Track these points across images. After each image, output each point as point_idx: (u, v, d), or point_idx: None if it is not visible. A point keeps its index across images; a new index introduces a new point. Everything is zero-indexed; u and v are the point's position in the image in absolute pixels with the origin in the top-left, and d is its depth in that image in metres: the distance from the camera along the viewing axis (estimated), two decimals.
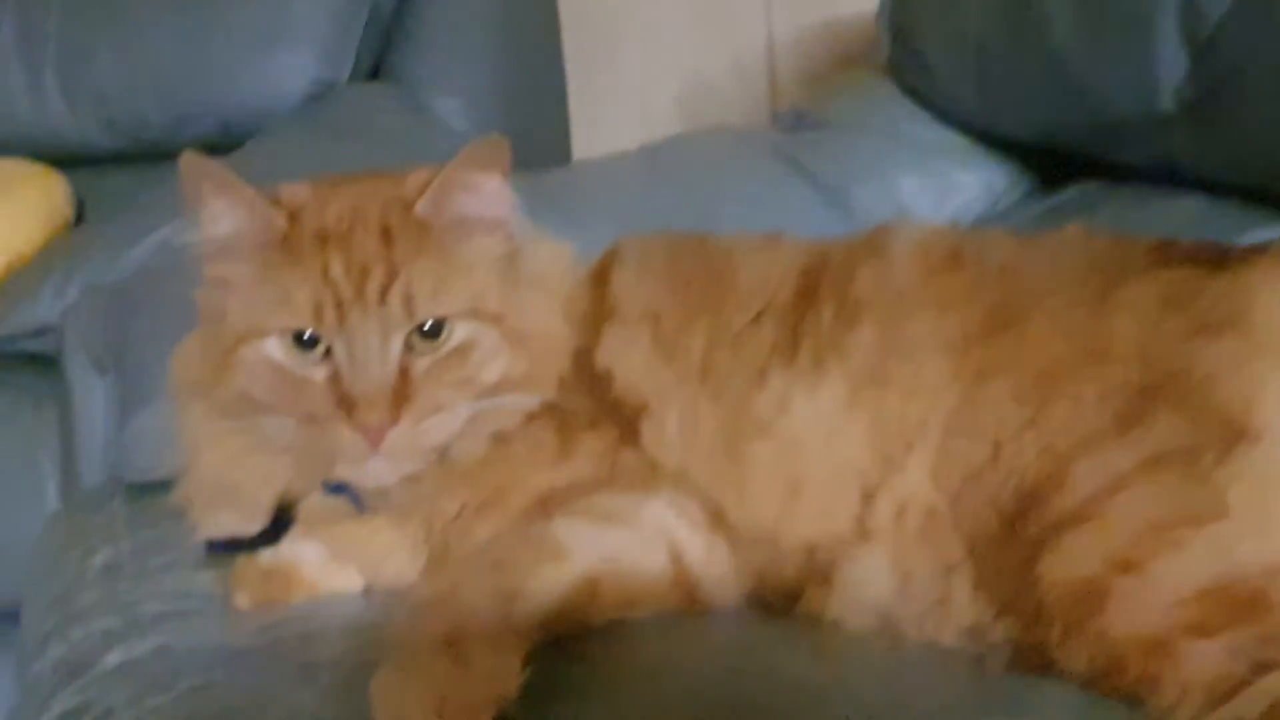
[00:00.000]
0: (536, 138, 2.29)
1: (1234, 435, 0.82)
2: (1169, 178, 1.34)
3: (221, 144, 2.12)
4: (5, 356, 1.93)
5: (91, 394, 1.56)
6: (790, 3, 2.34)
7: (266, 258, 0.97)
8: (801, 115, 1.72)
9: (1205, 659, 0.76)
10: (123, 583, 1.12)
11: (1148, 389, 0.87)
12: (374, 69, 2.44)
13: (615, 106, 2.44)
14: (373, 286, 0.94)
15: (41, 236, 2.21)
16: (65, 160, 2.39)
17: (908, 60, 1.60)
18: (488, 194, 0.98)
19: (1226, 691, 0.75)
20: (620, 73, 2.46)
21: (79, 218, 2.33)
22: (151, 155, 2.35)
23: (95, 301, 1.58)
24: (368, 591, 1.03)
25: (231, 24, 2.34)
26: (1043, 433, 0.88)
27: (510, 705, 0.77)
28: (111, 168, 2.45)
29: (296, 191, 1.01)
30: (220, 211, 0.98)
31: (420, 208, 0.98)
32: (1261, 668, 0.75)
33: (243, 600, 1.02)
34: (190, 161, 0.97)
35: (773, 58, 2.39)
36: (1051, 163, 1.53)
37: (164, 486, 1.25)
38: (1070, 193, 1.47)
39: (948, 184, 1.54)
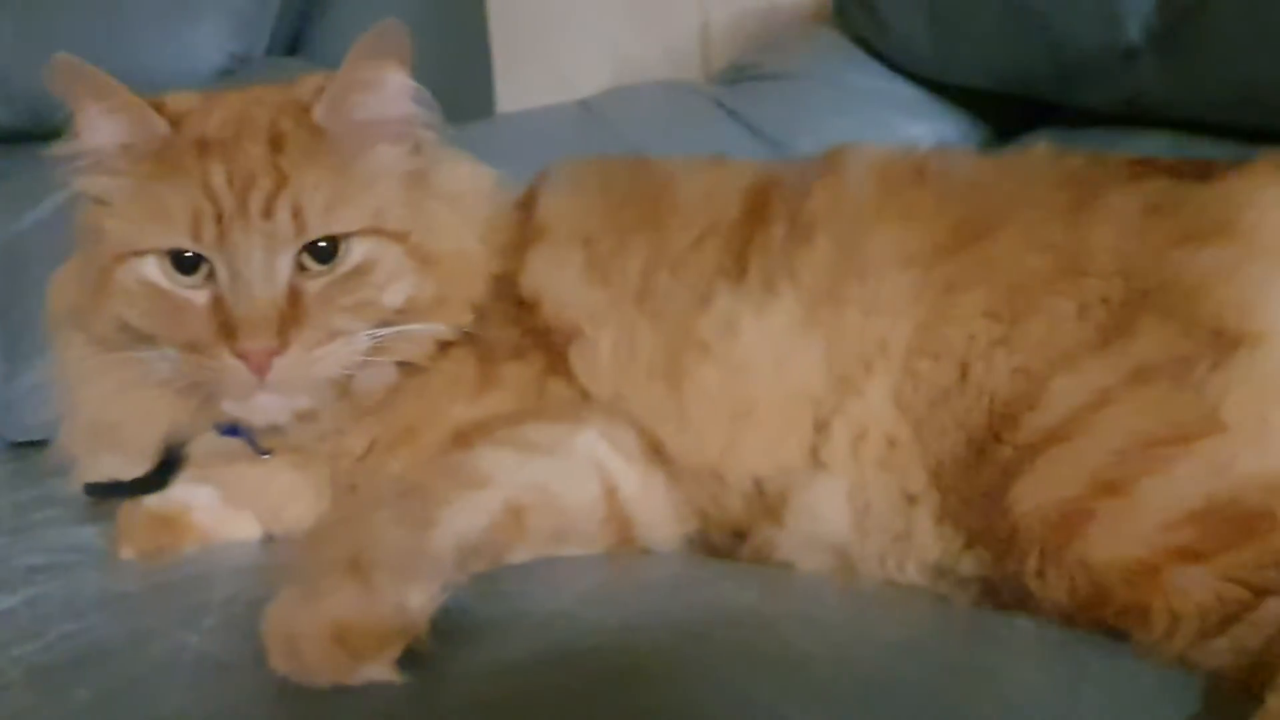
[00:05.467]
0: (463, 123, 2.21)
1: (1229, 343, 0.74)
2: (1134, 119, 1.27)
3: None
4: None
5: None
6: None
7: (145, 169, 0.88)
8: (744, 68, 1.64)
9: (1198, 586, 0.69)
10: (1, 539, 1.00)
11: (1131, 300, 0.79)
12: (291, 45, 2.34)
13: (544, 96, 2.35)
14: (257, 198, 0.85)
15: None
16: None
17: (856, 8, 1.51)
18: (389, 90, 0.89)
19: (1222, 620, 0.68)
20: (549, 61, 2.37)
21: None
22: (54, 134, 2.24)
23: None
24: (267, 540, 0.92)
25: None
26: (1016, 350, 0.80)
27: (420, 641, 0.67)
28: (13, 145, 2.34)
29: (183, 99, 0.92)
30: (96, 118, 0.89)
31: (317, 112, 0.88)
32: (1262, 593, 0.67)
33: (128, 550, 0.92)
34: (63, 63, 0.88)
35: (707, 47, 2.32)
36: (1007, 112, 1.44)
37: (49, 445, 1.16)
38: (1027, 141, 1.39)
39: (896, 135, 1.44)
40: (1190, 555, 0.69)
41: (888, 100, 1.50)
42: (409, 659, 0.66)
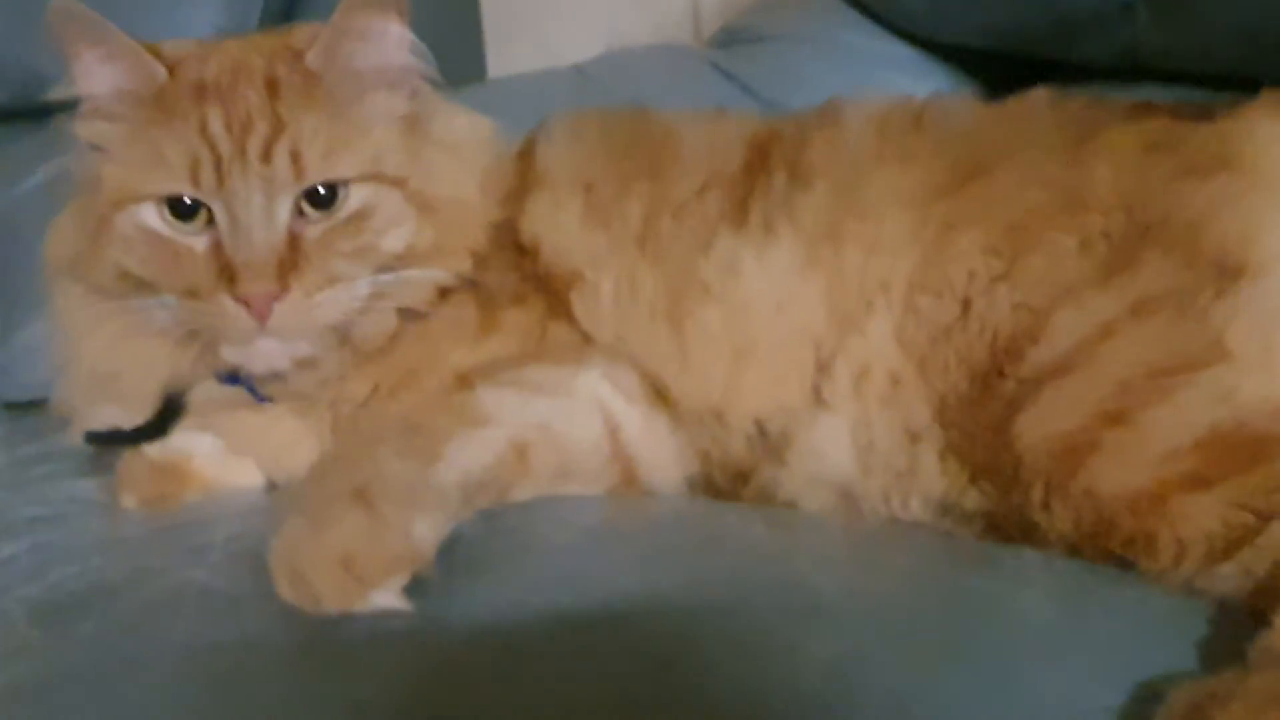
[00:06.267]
0: None
1: (1232, 272, 0.74)
2: (1132, 73, 1.27)
3: None
4: None
5: None
6: None
7: (142, 115, 0.87)
8: (738, 31, 1.63)
9: (1204, 513, 0.69)
10: None
11: (1132, 234, 0.79)
12: (285, 18, 2.33)
13: (534, 67, 2.34)
14: (255, 143, 0.84)
15: None
16: None
17: None
18: (386, 40, 0.88)
19: (1229, 546, 0.68)
20: (540, 33, 2.36)
21: None
22: (43, 112, 2.22)
23: None
24: (269, 486, 0.92)
25: None
26: (1017, 285, 0.80)
27: (427, 570, 0.67)
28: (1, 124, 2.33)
29: (179, 46, 0.92)
30: (93, 64, 0.88)
31: (310, 58, 0.88)
32: (1268, 517, 0.67)
33: (129, 499, 0.91)
34: (60, 8, 0.87)
35: (698, 21, 2.31)
36: (1002, 69, 1.44)
37: (46, 403, 1.15)
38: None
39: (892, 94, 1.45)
40: (1196, 483, 0.69)
41: (882, 59, 1.50)
42: (416, 589, 0.66)
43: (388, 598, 0.65)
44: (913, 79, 1.48)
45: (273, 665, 0.62)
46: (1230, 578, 0.67)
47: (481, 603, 0.66)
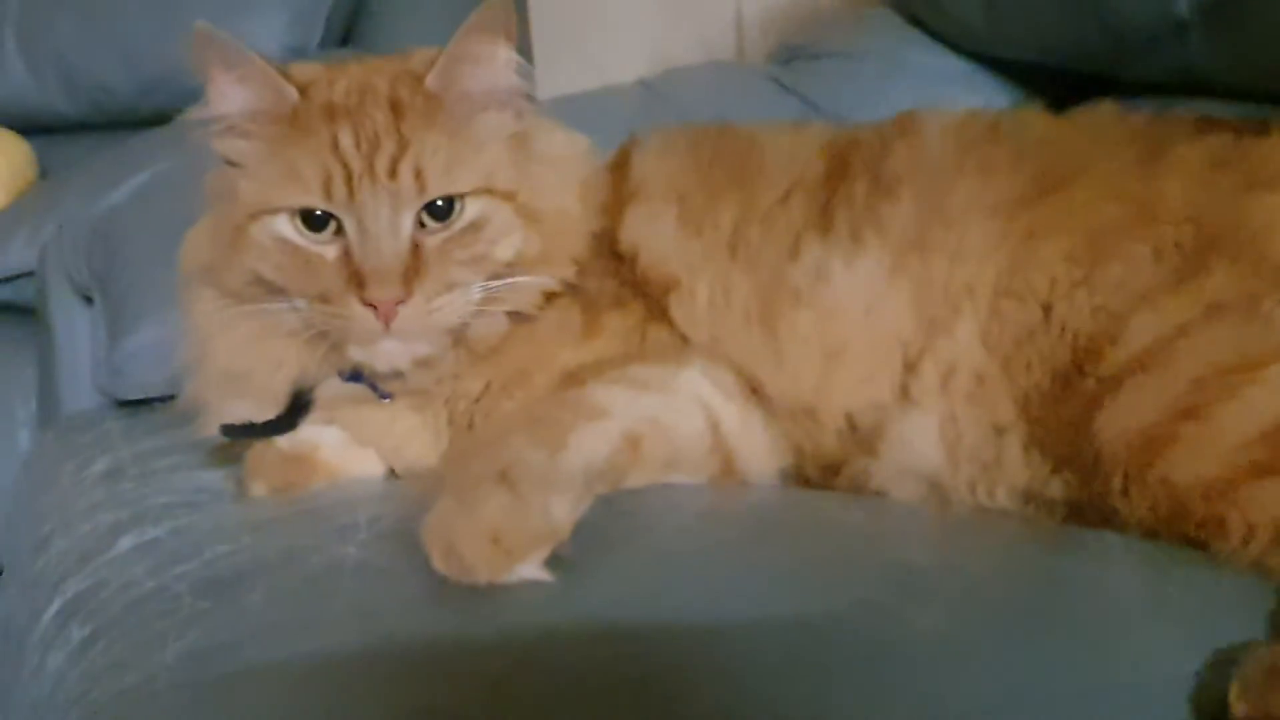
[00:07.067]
0: None
1: None
2: (1185, 92, 1.32)
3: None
4: None
5: (74, 322, 1.52)
6: None
7: (276, 133, 0.94)
8: (798, 48, 1.70)
9: (1271, 498, 0.74)
10: (125, 484, 1.08)
11: (1202, 244, 0.85)
12: (344, 37, 2.40)
13: (581, 84, 2.40)
14: (383, 160, 0.91)
15: (5, 198, 2.16)
16: (27, 127, 2.34)
17: None
18: (497, 64, 0.95)
19: None
20: (587, 54, 2.42)
21: None
22: (115, 124, 2.30)
23: (77, 232, 1.53)
24: (390, 475, 0.99)
25: None
26: (1096, 291, 0.87)
27: (565, 546, 0.73)
28: (74, 135, 2.40)
29: (306, 69, 0.99)
30: (228, 86, 0.95)
31: (429, 81, 0.94)
32: None
33: (259, 487, 0.98)
34: (201, 32, 0.94)
35: (741, 38, 2.37)
36: (1060, 86, 1.50)
37: (159, 403, 1.23)
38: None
39: (952, 109, 1.51)
40: (1264, 470, 0.75)
41: (942, 75, 1.56)
42: (555, 563, 0.73)
43: (532, 570, 0.72)
44: (974, 93, 1.54)
45: (429, 629, 0.69)
46: None
47: (611, 574, 0.73)
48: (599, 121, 1.48)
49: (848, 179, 0.99)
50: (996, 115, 1.02)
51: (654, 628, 0.67)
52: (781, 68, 1.69)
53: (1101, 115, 1.00)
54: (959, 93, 1.54)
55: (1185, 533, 0.77)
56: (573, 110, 1.69)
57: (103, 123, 2.38)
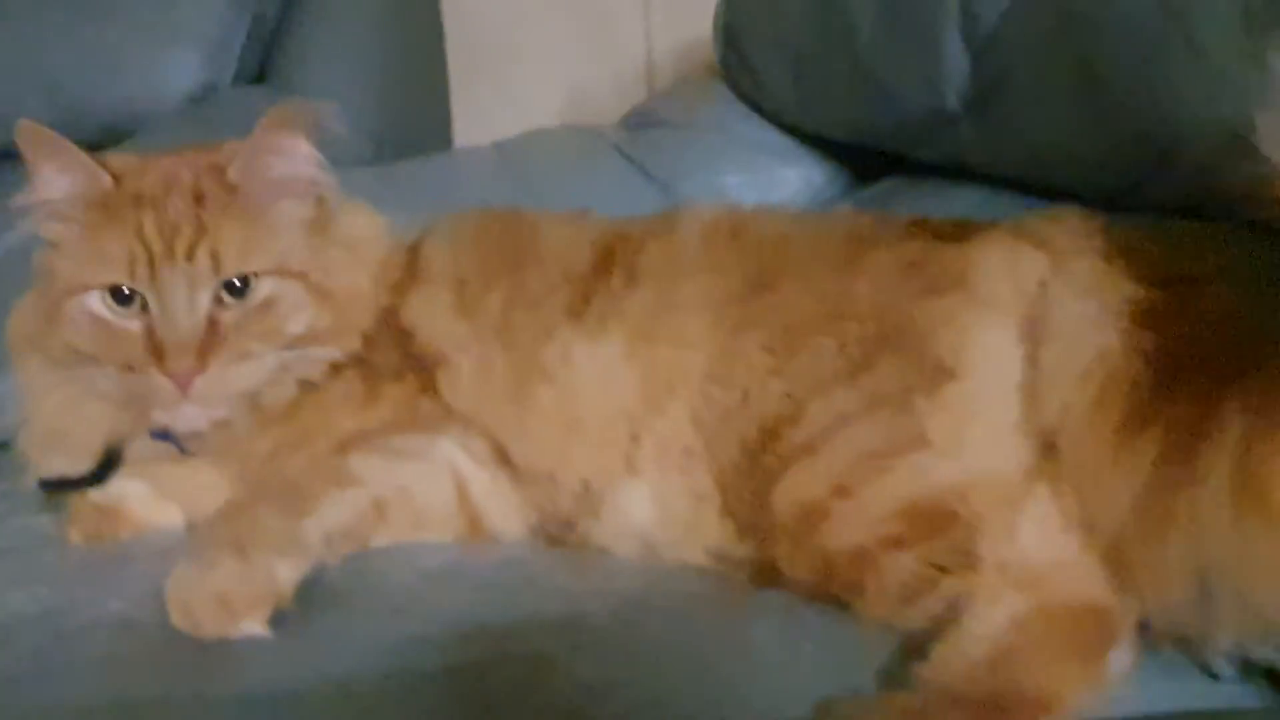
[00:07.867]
0: (420, 148, 2.35)
1: (944, 376, 0.93)
2: (959, 172, 1.46)
3: (105, 145, 2.17)
4: None
5: None
6: (669, 18, 2.42)
7: (90, 218, 1.05)
8: (645, 115, 1.83)
9: (900, 567, 0.88)
10: None
11: (878, 340, 0.98)
12: (258, 74, 2.49)
13: (498, 119, 2.48)
14: (181, 244, 1.03)
15: None
16: None
17: (737, 63, 1.71)
18: (296, 157, 1.07)
19: (915, 593, 0.87)
20: (504, 85, 2.51)
21: None
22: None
23: None
24: (189, 526, 1.11)
25: (120, 21, 2.36)
26: (786, 379, 0.99)
27: (286, 605, 0.87)
28: None
29: (122, 159, 1.10)
30: (52, 174, 1.06)
31: (231, 172, 1.06)
32: (945, 572, 0.87)
33: (75, 535, 1.09)
34: (27, 128, 1.06)
35: (651, 72, 2.48)
36: (864, 160, 1.64)
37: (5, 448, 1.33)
38: (879, 187, 1.59)
39: (771, 179, 1.65)
40: (897, 543, 0.88)
41: (765, 148, 1.70)
42: (278, 619, 0.86)
43: (254, 626, 0.85)
44: (791, 165, 1.68)
45: (161, 675, 0.82)
46: (915, 617, 0.86)
47: (327, 629, 0.86)
48: (448, 185, 1.61)
49: (609, 271, 1.11)
50: (746, 215, 1.15)
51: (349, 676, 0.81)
52: (629, 133, 1.82)
53: (836, 216, 1.14)
54: (779, 165, 1.68)
55: (834, 593, 0.90)
56: (427, 172, 1.83)
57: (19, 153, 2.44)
